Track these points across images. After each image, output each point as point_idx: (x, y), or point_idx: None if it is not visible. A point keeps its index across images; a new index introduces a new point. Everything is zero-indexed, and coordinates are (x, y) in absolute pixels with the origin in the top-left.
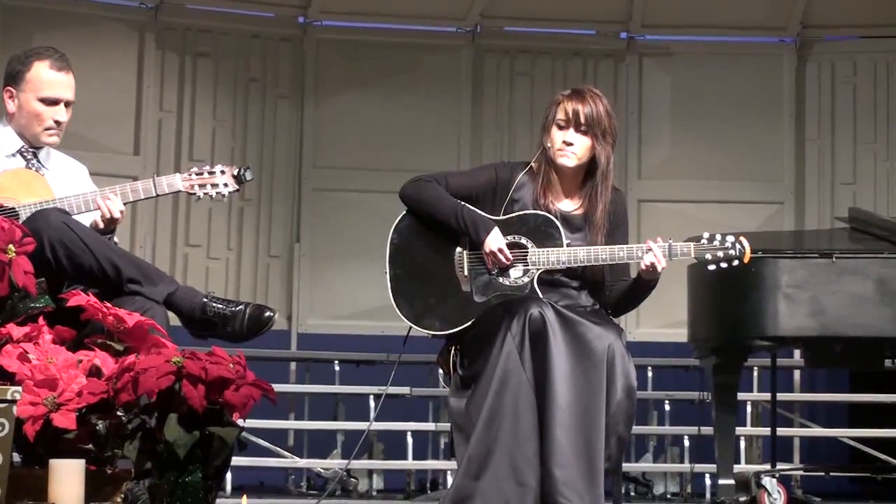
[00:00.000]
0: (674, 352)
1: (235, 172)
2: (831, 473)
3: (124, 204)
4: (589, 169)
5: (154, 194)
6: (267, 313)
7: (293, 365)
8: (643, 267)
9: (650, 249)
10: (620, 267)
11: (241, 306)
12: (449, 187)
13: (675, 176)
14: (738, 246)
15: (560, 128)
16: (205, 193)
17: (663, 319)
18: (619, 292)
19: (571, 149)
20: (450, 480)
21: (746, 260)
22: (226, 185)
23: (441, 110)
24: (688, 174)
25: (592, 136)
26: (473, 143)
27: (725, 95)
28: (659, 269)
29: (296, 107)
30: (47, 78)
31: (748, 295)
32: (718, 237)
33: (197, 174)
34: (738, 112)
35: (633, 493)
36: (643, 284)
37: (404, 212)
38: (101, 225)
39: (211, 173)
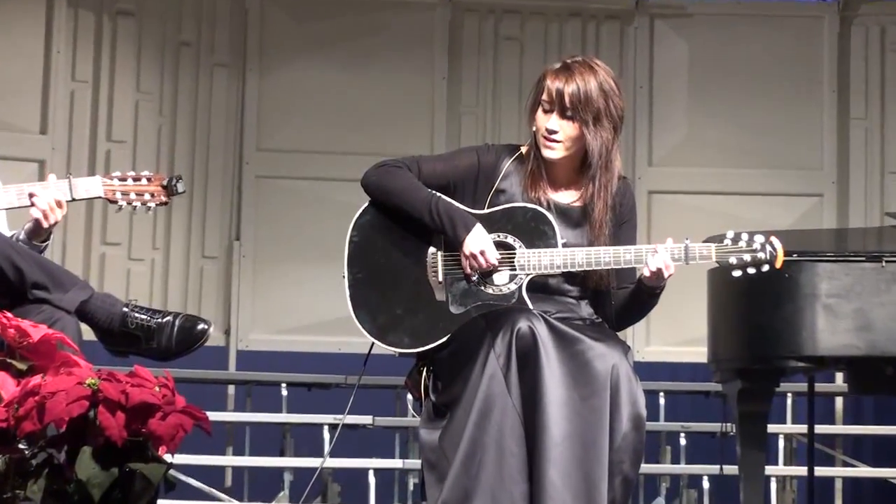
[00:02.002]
0: (691, 374)
1: (165, 182)
2: None
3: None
4: (586, 155)
5: (70, 198)
6: (200, 326)
7: (231, 388)
8: (647, 273)
9: (656, 251)
10: (626, 271)
11: (168, 317)
12: (421, 175)
13: (692, 163)
14: (768, 248)
15: (545, 111)
16: (128, 203)
17: (678, 335)
18: (618, 301)
19: (556, 137)
20: None
21: (778, 265)
22: (153, 195)
23: (411, 82)
24: (708, 161)
25: (580, 121)
26: (450, 121)
27: (753, 66)
28: (665, 275)
29: (236, 77)
30: None
31: (781, 306)
32: (745, 237)
33: (120, 180)
34: (768, 86)
35: None
36: (646, 293)
37: (367, 204)
38: (45, 223)
39: (136, 180)
